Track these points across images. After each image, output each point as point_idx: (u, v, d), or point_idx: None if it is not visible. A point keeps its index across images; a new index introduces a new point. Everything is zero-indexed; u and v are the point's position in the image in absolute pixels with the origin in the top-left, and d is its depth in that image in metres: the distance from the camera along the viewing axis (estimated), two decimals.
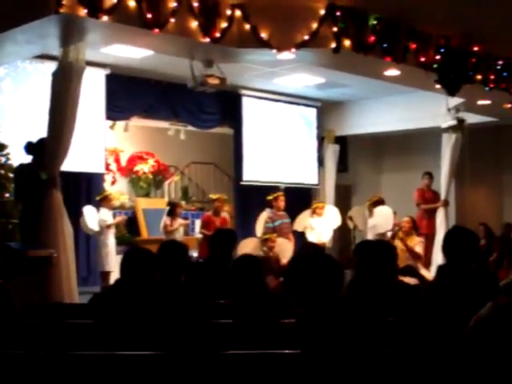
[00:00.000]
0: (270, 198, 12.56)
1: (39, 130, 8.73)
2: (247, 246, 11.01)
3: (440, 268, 4.90)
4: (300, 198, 14.88)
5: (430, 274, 10.57)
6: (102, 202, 11.64)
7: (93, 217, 11.42)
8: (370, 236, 12.38)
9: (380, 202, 12.85)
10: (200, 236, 12.18)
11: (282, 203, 12.42)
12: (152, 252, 4.84)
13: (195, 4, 8.45)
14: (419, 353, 3.63)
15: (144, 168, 15.17)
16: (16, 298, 3.84)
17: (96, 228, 11.43)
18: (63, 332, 4.47)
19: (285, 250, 11.18)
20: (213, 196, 12.30)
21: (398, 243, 10.55)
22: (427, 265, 11.66)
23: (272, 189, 13.45)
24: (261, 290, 4.83)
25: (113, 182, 14.62)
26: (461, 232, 4.88)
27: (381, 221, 12.44)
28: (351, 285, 4.71)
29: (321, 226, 12.97)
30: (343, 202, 15.73)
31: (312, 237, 12.78)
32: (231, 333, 4.42)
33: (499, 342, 2.96)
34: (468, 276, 4.59)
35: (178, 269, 5.18)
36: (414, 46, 10.04)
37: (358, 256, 4.90)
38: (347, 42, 9.21)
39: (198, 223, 14.13)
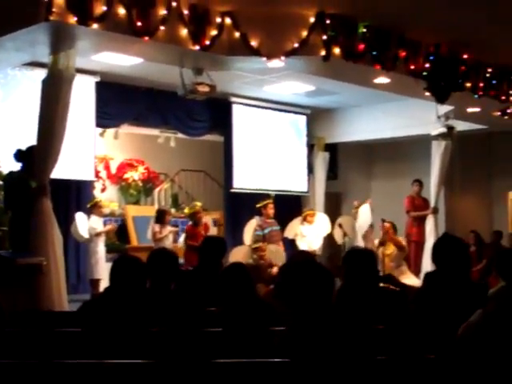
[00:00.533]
0: (259, 205, 12.55)
1: (29, 138, 8.71)
2: (238, 254, 11.01)
3: (428, 275, 4.92)
4: (290, 206, 14.89)
5: (419, 280, 10.60)
6: (92, 209, 11.62)
7: (84, 224, 11.40)
8: (359, 238, 12.50)
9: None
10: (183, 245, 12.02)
11: (271, 211, 12.42)
12: (141, 260, 4.83)
13: (185, 12, 8.46)
14: (410, 360, 3.63)
15: (134, 175, 15.14)
16: (5, 306, 3.83)
17: (86, 235, 11.40)
18: (52, 340, 4.45)
19: (277, 257, 11.18)
20: (188, 211, 12.25)
21: (384, 249, 10.65)
22: (417, 272, 11.69)
23: (262, 196, 13.45)
24: (251, 298, 4.83)
25: (103, 190, 14.59)
26: (450, 240, 4.89)
27: (363, 218, 12.62)
28: (340, 293, 4.72)
29: (311, 233, 13.00)
30: (333, 209, 15.75)
31: (303, 244, 12.80)
32: (221, 341, 4.41)
33: (489, 348, 2.97)
34: (457, 284, 4.59)
35: (168, 277, 5.16)
36: (403, 53, 10.07)
37: (347, 265, 4.92)
38: (337, 50, 9.23)
39: None
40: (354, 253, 5.32)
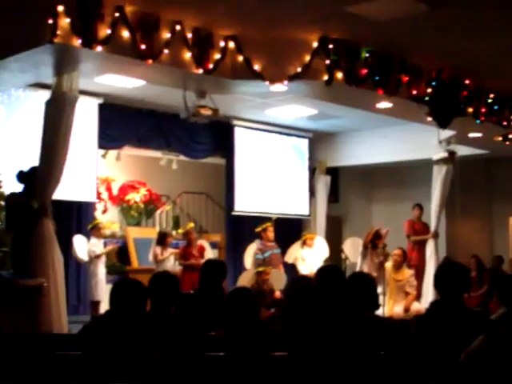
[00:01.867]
0: (258, 229, 12.55)
1: (31, 159, 8.73)
2: (245, 279, 11.03)
3: (433, 304, 4.91)
4: (291, 229, 14.89)
5: (421, 305, 10.58)
6: (92, 231, 11.63)
7: (82, 246, 11.40)
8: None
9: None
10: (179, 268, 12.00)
11: (270, 234, 12.41)
12: (141, 283, 4.83)
13: (189, 35, 8.51)
14: None
15: (135, 197, 15.12)
16: (4, 327, 3.82)
17: (86, 258, 11.41)
18: (52, 363, 4.44)
19: (278, 281, 11.16)
20: (181, 231, 12.27)
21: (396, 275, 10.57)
22: (417, 297, 11.65)
23: (263, 219, 13.44)
24: (255, 323, 4.82)
25: (104, 211, 14.57)
26: (452, 266, 4.88)
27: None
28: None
29: (311, 257, 12.98)
30: (334, 232, 15.74)
31: (303, 268, 12.78)
32: (223, 365, 4.40)
33: (491, 374, 2.96)
34: (459, 310, 4.58)
35: (169, 300, 5.15)
36: (405, 78, 10.11)
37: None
38: (339, 75, 9.27)
39: None
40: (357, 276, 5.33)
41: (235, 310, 4.84)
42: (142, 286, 4.82)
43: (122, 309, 4.59)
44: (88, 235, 11.63)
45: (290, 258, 13.09)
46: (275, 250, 12.35)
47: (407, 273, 10.84)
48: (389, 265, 10.85)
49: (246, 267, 12.42)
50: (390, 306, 10.43)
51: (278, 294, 10.81)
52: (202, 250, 11.87)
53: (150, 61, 8.14)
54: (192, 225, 12.35)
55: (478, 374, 3.02)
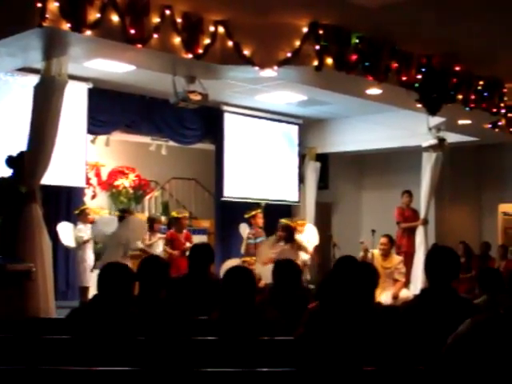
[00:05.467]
0: (247, 216, 12.55)
1: (20, 143, 8.68)
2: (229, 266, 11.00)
3: (423, 290, 4.92)
4: (280, 215, 14.89)
5: (409, 293, 10.61)
6: (79, 216, 11.61)
7: (67, 234, 11.37)
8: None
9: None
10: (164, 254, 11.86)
11: (260, 220, 12.43)
12: (128, 266, 4.83)
13: (178, 20, 8.47)
14: (401, 371, 3.63)
15: (125, 183, 15.12)
16: None
17: (72, 244, 11.40)
18: (40, 347, 4.43)
19: (265, 271, 11.15)
20: (175, 214, 12.07)
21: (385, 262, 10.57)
22: (406, 284, 11.68)
23: (253, 205, 13.44)
24: (251, 305, 4.78)
25: (93, 197, 14.56)
26: (443, 251, 4.86)
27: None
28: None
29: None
30: (324, 219, 15.76)
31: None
32: (214, 349, 4.39)
33: (478, 357, 2.97)
34: (448, 296, 4.59)
35: (158, 285, 5.15)
36: (395, 65, 10.10)
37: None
38: (329, 60, 9.25)
39: None
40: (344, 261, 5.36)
41: (233, 288, 4.78)
42: (128, 269, 4.82)
43: (109, 292, 4.60)
44: (76, 221, 11.61)
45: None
46: (264, 237, 12.34)
47: (396, 259, 10.82)
48: (376, 252, 10.85)
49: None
50: (377, 294, 10.43)
51: (262, 283, 10.79)
52: (189, 237, 11.78)
53: (140, 45, 8.10)
54: (187, 213, 12.29)
55: (464, 357, 3.03)
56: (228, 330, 4.61)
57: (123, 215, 11.37)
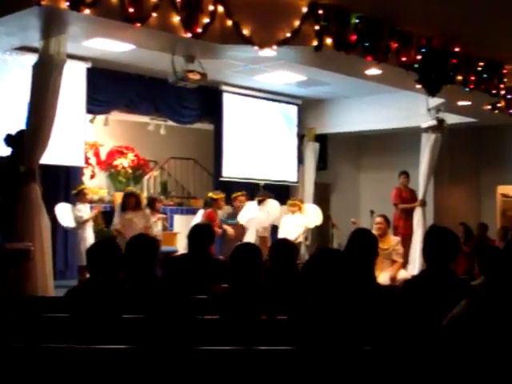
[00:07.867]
0: (232, 196, 12.51)
1: (19, 123, 8.66)
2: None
3: (422, 271, 4.93)
4: (279, 196, 14.89)
5: (407, 274, 10.62)
6: (78, 196, 11.60)
7: (65, 214, 11.37)
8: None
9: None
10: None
11: (239, 204, 12.33)
12: (114, 240, 4.87)
13: None
14: (398, 351, 3.65)
15: (123, 162, 15.11)
16: None
17: (71, 225, 11.41)
18: (38, 325, 4.45)
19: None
20: (213, 195, 12.08)
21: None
22: (404, 264, 11.69)
23: (251, 185, 13.43)
24: (258, 281, 4.77)
25: (92, 176, 14.55)
26: (441, 233, 4.83)
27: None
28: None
29: (290, 224, 12.85)
30: (322, 199, 15.76)
31: (281, 234, 12.62)
32: (210, 327, 4.40)
33: (473, 337, 2.99)
34: (446, 276, 4.59)
35: (147, 263, 5.16)
36: (395, 45, 10.08)
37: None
38: (329, 40, 9.23)
39: (176, 218, 14.13)
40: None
41: (241, 263, 4.76)
42: (114, 242, 4.87)
43: (100, 270, 4.64)
44: (73, 201, 11.61)
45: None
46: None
47: (393, 240, 10.75)
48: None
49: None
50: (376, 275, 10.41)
51: None
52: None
53: (138, 24, 8.06)
54: (223, 194, 12.26)
55: (461, 337, 3.05)
56: (235, 306, 4.60)
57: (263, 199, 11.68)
